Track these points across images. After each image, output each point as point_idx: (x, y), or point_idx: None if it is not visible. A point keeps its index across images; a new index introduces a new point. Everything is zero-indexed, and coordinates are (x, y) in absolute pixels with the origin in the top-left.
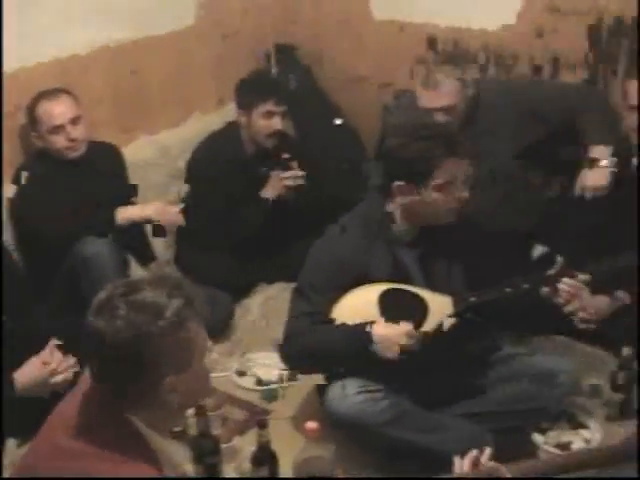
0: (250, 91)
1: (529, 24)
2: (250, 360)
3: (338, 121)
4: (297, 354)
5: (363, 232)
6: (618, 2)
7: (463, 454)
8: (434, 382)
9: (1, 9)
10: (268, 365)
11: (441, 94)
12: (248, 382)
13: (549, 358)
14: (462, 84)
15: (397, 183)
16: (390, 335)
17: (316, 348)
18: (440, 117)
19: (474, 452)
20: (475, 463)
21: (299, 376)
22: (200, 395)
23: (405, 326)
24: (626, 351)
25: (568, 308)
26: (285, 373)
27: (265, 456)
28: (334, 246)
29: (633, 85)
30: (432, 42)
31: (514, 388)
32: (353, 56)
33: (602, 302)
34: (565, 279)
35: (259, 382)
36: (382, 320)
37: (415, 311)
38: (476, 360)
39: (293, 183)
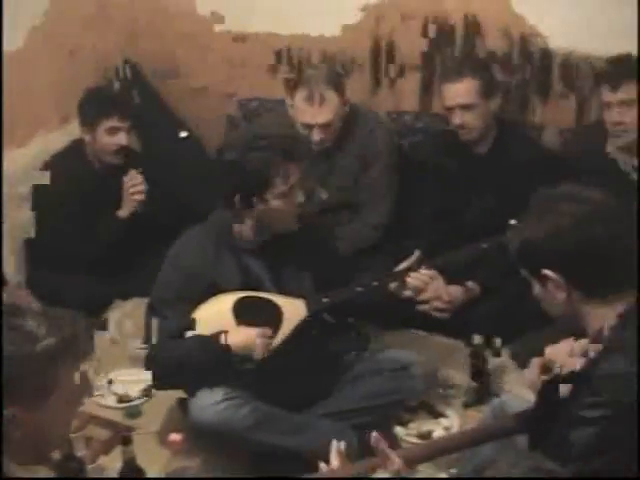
0: (93, 108)
1: (368, 29)
2: (111, 378)
3: (183, 134)
4: (158, 372)
5: (210, 243)
6: (451, 6)
7: (328, 452)
8: (295, 384)
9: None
10: (129, 382)
11: (324, 110)
12: (110, 400)
13: (403, 352)
14: (341, 101)
15: (240, 194)
16: (245, 339)
17: (174, 363)
18: (316, 135)
19: (335, 445)
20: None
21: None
22: (53, 442)
23: (257, 332)
24: (477, 339)
25: (421, 297)
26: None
27: (131, 472)
28: (182, 259)
29: (447, 88)
30: (272, 51)
31: (373, 384)
32: (196, 68)
33: (456, 291)
34: (413, 273)
35: (121, 399)
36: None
37: (270, 317)
38: (335, 359)
39: (139, 197)
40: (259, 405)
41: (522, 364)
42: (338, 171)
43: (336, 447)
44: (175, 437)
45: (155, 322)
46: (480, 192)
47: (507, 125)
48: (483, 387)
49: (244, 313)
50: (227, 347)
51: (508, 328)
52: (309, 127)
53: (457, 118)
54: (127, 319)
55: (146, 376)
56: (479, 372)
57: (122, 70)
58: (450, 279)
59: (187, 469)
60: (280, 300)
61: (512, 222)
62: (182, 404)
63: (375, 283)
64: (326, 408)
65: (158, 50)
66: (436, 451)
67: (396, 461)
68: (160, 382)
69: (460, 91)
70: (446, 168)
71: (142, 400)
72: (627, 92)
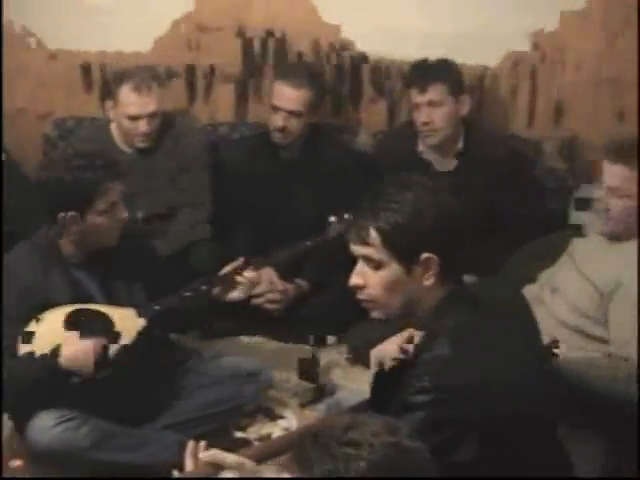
0: None
1: (181, 43)
2: None
3: None
4: None
5: (38, 259)
6: (261, 13)
7: (172, 463)
8: (131, 399)
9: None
10: None
11: (151, 99)
12: None
13: (239, 357)
14: (160, 90)
15: (61, 213)
16: (79, 351)
17: (8, 384)
18: (143, 126)
19: (190, 444)
20: (195, 455)
21: None
22: None
23: (91, 342)
24: (311, 340)
25: (255, 290)
26: None
27: None
28: (11, 276)
29: (282, 89)
30: (85, 68)
31: (210, 392)
32: (8, 88)
33: (289, 287)
34: (245, 273)
35: None
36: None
37: (102, 328)
38: (170, 370)
39: None
40: (98, 424)
41: (359, 358)
42: (155, 176)
43: (191, 448)
44: (15, 463)
45: None
46: (293, 194)
47: (318, 129)
48: (316, 386)
49: (77, 327)
50: (60, 364)
51: (338, 324)
52: (136, 119)
53: (281, 120)
54: None
55: None
56: (311, 372)
57: None
58: (279, 277)
59: None
60: (111, 311)
61: (331, 219)
62: (19, 428)
63: (204, 287)
64: (167, 420)
65: None
66: (278, 449)
67: (229, 458)
68: None
69: (296, 97)
70: (257, 171)
71: None
72: (434, 93)
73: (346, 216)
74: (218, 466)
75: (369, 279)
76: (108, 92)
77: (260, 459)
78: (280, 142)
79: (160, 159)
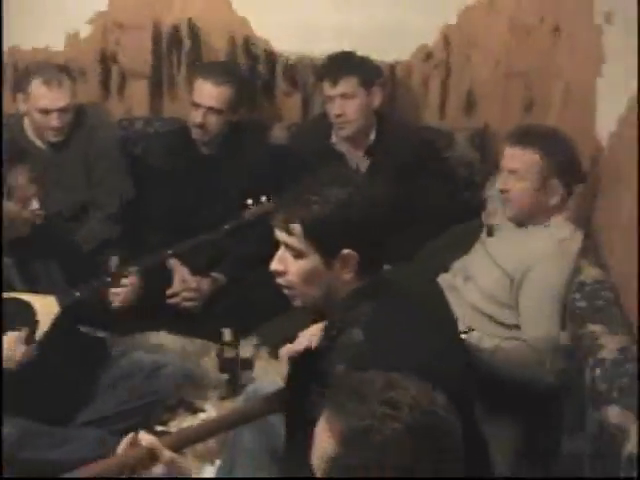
0: None
1: (94, 38)
2: None
3: None
4: None
5: None
6: (177, 9)
7: (94, 460)
8: (51, 396)
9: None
10: None
11: (62, 94)
12: None
13: (157, 353)
14: (74, 91)
15: None
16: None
17: None
18: (55, 121)
19: (131, 435)
20: (134, 443)
21: None
22: None
23: (12, 335)
24: (226, 334)
25: (170, 290)
26: None
27: None
28: None
29: (204, 86)
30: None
31: (129, 387)
32: None
33: (203, 282)
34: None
35: None
36: None
37: (23, 316)
38: (88, 366)
39: None
40: (18, 422)
41: (271, 352)
42: (68, 170)
43: (129, 437)
44: None
45: None
46: (212, 190)
47: (238, 126)
48: (235, 380)
49: None
50: None
51: (254, 317)
52: (47, 113)
53: (200, 116)
54: None
55: None
56: (229, 365)
57: None
58: (195, 271)
59: None
60: (31, 298)
61: (248, 202)
62: None
63: (109, 279)
64: (87, 416)
65: None
66: (195, 437)
67: (165, 453)
68: None
69: (216, 94)
70: (176, 167)
71: None
72: (346, 86)
73: (263, 199)
74: (154, 456)
75: (289, 266)
76: (19, 85)
77: (177, 448)
78: (199, 138)
79: (73, 153)
